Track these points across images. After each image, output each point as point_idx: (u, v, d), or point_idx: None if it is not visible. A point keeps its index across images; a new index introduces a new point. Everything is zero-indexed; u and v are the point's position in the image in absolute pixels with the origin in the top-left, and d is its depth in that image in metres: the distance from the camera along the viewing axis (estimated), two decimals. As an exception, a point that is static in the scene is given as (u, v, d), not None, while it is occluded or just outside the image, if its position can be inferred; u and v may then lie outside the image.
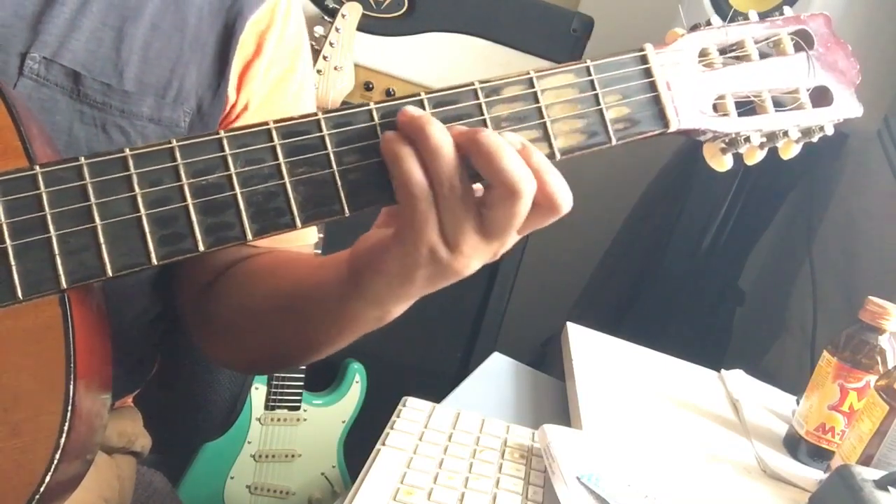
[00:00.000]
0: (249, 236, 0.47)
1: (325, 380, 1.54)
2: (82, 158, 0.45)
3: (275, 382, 1.43)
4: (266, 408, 1.44)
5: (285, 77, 0.71)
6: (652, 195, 1.60)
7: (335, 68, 1.32)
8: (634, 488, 0.60)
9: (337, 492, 1.51)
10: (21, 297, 0.44)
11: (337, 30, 1.31)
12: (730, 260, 1.53)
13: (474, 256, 0.49)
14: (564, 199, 0.48)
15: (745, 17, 0.56)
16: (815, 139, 0.57)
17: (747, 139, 0.55)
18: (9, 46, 0.57)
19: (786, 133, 0.56)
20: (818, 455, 0.81)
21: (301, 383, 1.45)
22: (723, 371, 1.03)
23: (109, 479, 0.72)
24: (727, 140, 0.55)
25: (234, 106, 0.68)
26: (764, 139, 0.56)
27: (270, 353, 0.65)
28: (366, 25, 1.37)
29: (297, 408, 1.46)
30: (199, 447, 1.40)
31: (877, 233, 1.39)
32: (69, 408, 0.44)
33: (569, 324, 1.02)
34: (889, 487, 0.60)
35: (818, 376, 0.82)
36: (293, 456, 1.48)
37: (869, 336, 0.79)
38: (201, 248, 0.46)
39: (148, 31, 0.62)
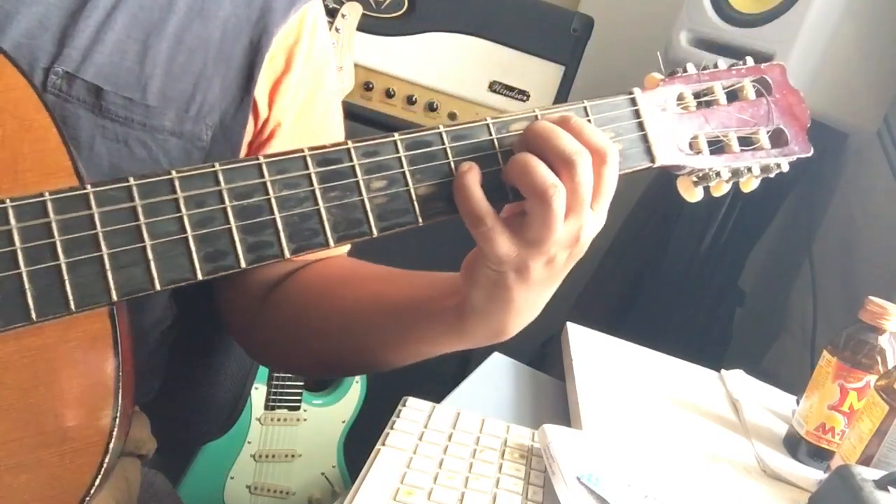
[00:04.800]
0: (287, 254, 0.51)
1: (325, 380, 1.54)
2: (131, 179, 0.48)
3: (275, 382, 1.43)
4: (266, 408, 1.44)
5: (313, 94, 0.71)
6: (652, 195, 1.60)
7: (335, 68, 1.32)
8: (634, 488, 0.60)
9: (337, 492, 1.51)
10: (73, 309, 0.46)
11: (337, 30, 1.31)
12: (730, 260, 1.53)
13: (592, 233, 0.55)
14: (606, 144, 0.53)
15: (715, 65, 0.63)
16: (772, 175, 0.65)
17: (717, 174, 0.62)
18: (34, 60, 0.57)
19: (749, 169, 0.63)
20: (818, 455, 0.81)
21: (301, 383, 1.45)
22: (723, 371, 1.03)
23: (118, 482, 0.72)
24: (700, 175, 0.62)
25: (266, 122, 0.68)
26: (730, 174, 0.63)
27: (359, 357, 0.68)
28: (366, 25, 1.37)
29: (298, 408, 1.46)
30: (199, 447, 1.40)
31: (877, 233, 1.39)
32: (117, 413, 0.47)
33: (569, 324, 1.02)
34: (889, 487, 0.60)
35: (818, 376, 0.82)
36: (293, 456, 1.48)
37: (869, 336, 0.79)
38: (243, 264, 0.50)
39: (172, 44, 0.62)
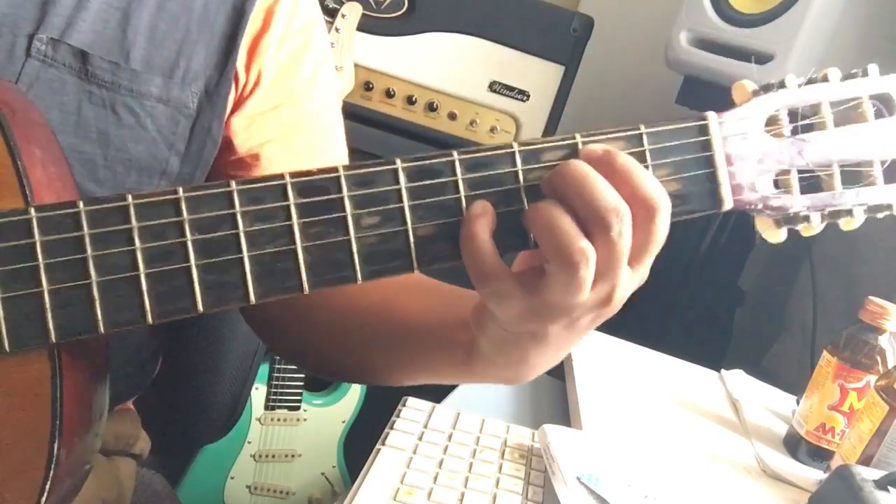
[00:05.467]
0: (252, 299, 0.44)
1: (325, 380, 1.54)
2: (81, 204, 0.43)
3: (275, 382, 1.43)
4: (266, 408, 1.44)
5: (297, 56, 0.69)
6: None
7: (335, 68, 1.32)
8: (634, 488, 0.60)
9: (337, 492, 1.51)
10: (7, 350, 0.42)
11: (337, 30, 1.31)
12: (730, 260, 1.53)
13: (627, 293, 0.46)
14: (657, 196, 0.44)
15: (825, 77, 0.49)
16: (880, 216, 0.50)
17: (807, 218, 0.49)
18: (17, 28, 0.57)
19: (850, 213, 0.50)
20: (818, 455, 0.81)
21: (301, 383, 1.45)
22: (723, 371, 1.03)
23: (107, 480, 0.72)
24: (784, 217, 0.49)
25: (245, 84, 0.67)
26: (826, 217, 0.50)
27: (362, 366, 0.65)
28: (366, 25, 1.37)
29: (297, 408, 1.46)
30: (198, 449, 1.40)
31: (877, 233, 1.39)
32: (52, 468, 0.42)
33: (569, 324, 1.02)
34: (889, 487, 0.60)
35: (818, 376, 0.82)
36: (293, 456, 1.48)
37: (869, 336, 0.79)
38: (200, 308, 0.44)
39: (154, 11, 0.62)
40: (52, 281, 0.42)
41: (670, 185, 0.47)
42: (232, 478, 1.44)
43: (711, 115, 0.47)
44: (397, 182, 0.45)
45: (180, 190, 0.43)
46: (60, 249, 0.42)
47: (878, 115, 0.49)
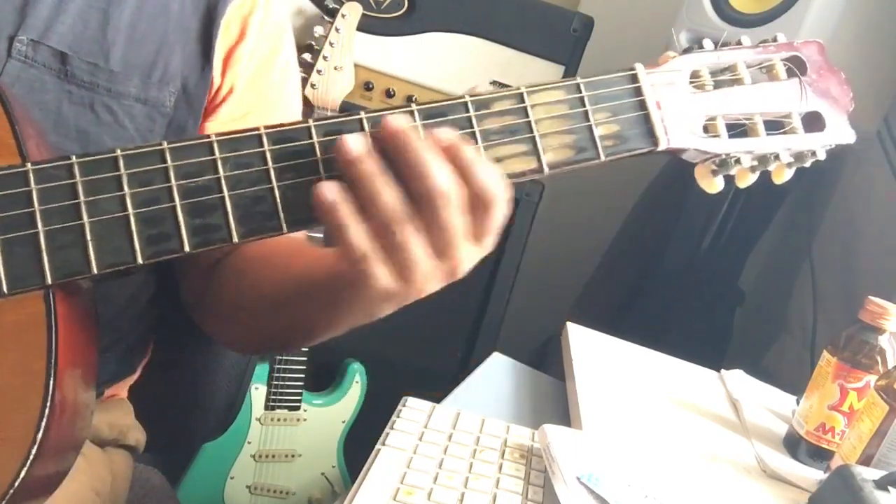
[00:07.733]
0: (235, 238, 0.48)
1: (325, 380, 1.54)
2: (73, 157, 0.46)
3: (275, 382, 1.43)
4: (266, 408, 1.44)
5: (269, 61, 0.72)
6: (652, 194, 1.60)
7: (335, 68, 1.32)
8: (634, 488, 0.60)
9: (337, 492, 1.51)
10: (6, 292, 0.45)
11: (337, 30, 1.31)
12: (730, 260, 1.53)
13: (431, 281, 0.49)
14: (495, 189, 0.47)
15: (738, 42, 0.57)
16: (807, 164, 0.58)
17: (738, 161, 0.56)
18: None
19: (777, 157, 0.57)
20: (818, 455, 0.81)
21: (301, 383, 1.45)
22: (723, 371, 1.03)
23: (101, 473, 0.72)
24: (717, 161, 0.56)
25: (219, 89, 0.70)
26: (755, 162, 0.57)
27: (270, 337, 0.67)
28: (366, 25, 1.37)
29: (298, 408, 1.46)
30: (198, 447, 1.40)
31: (877, 233, 1.39)
32: (48, 404, 0.44)
33: (569, 324, 1.02)
34: (889, 487, 0.60)
35: (818, 376, 0.82)
36: (293, 456, 1.48)
37: (869, 336, 0.79)
38: (187, 248, 0.47)
39: (133, 12, 0.64)
40: (48, 224, 0.45)
41: (611, 126, 0.53)
42: (232, 478, 1.44)
43: (639, 66, 0.54)
44: (362, 129, 0.50)
45: (164, 142, 0.47)
46: (55, 196, 0.46)
47: (791, 74, 0.57)
